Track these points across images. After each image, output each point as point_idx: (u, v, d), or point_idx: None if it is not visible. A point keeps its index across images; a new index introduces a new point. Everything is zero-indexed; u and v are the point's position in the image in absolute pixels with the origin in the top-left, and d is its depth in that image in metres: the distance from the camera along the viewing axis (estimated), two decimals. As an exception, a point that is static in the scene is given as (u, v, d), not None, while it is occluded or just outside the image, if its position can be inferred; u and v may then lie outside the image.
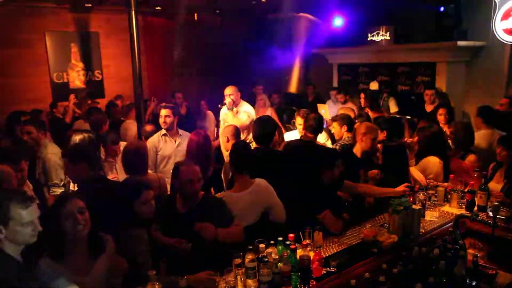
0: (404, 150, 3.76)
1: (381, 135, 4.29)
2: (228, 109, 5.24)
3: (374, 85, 7.68)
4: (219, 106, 5.48)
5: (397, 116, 6.21)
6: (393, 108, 7.14)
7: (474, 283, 2.50)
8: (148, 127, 5.77)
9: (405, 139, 4.53)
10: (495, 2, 6.46)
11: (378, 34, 8.08)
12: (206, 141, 3.86)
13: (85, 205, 2.31)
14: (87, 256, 2.32)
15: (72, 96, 7.16)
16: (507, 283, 2.64)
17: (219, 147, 4.61)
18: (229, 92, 5.25)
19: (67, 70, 8.73)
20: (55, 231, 2.21)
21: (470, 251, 2.91)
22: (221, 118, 5.51)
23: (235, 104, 5.22)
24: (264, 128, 3.97)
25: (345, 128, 4.70)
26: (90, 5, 8.56)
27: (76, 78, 8.87)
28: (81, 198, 2.34)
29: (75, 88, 8.62)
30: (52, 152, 4.22)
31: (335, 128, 4.83)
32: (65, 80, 8.70)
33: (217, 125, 7.17)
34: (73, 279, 2.15)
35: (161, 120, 4.66)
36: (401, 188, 3.47)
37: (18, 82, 8.00)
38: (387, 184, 3.66)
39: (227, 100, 5.22)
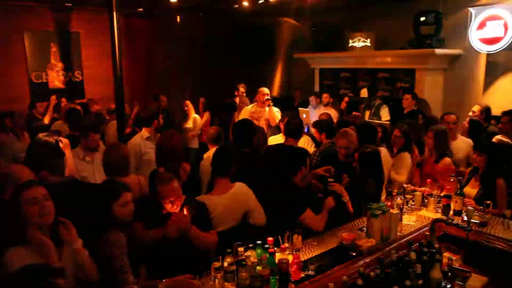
0: (378, 155, 3.83)
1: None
2: (268, 105, 6.03)
3: (364, 93, 7.77)
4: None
5: (369, 121, 6.29)
6: (385, 116, 7.11)
7: (448, 286, 2.56)
8: (128, 129, 5.76)
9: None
10: (471, 12, 6.63)
11: (359, 40, 8.20)
12: (175, 141, 3.80)
13: (48, 194, 2.26)
14: (53, 245, 2.25)
15: (53, 97, 7.06)
16: (480, 286, 2.72)
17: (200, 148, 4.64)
18: (267, 91, 6.15)
19: (46, 70, 8.59)
20: (16, 218, 2.17)
21: (446, 254, 2.98)
22: (246, 116, 5.92)
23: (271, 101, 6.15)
24: (244, 132, 3.98)
25: (324, 135, 4.70)
26: (70, 4, 8.45)
27: (56, 78, 8.74)
28: (44, 186, 2.29)
29: (54, 89, 8.49)
30: (21, 149, 4.17)
31: (315, 134, 4.86)
32: (44, 80, 8.56)
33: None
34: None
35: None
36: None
37: (-5, 81, 7.85)
38: (364, 189, 3.70)
39: (265, 98, 6.04)
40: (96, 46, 8.86)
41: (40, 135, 3.75)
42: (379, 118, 6.98)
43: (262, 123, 6.01)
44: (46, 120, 6.59)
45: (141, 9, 9.17)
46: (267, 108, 6.09)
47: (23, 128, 5.79)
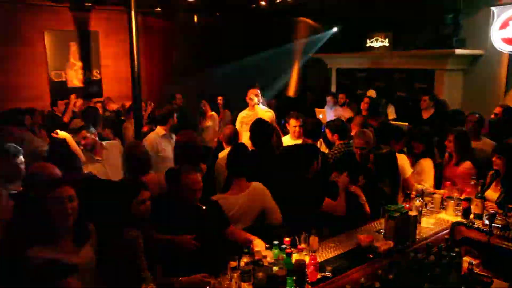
0: (393, 156, 3.77)
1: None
2: (258, 103, 5.67)
3: (371, 93, 7.70)
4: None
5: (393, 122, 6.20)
6: (391, 115, 7.14)
7: (468, 291, 2.51)
8: (145, 128, 5.80)
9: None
10: (493, 11, 6.49)
11: (377, 40, 8.11)
12: (194, 140, 3.81)
13: (75, 194, 2.31)
14: (73, 243, 2.33)
15: (73, 96, 7.17)
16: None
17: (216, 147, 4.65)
18: (255, 92, 5.71)
19: (65, 69, 8.71)
20: (42, 216, 2.23)
21: (466, 258, 2.92)
22: (239, 121, 5.66)
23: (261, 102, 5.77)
24: (261, 131, 3.97)
25: (336, 136, 4.59)
26: (90, 4, 8.56)
27: (75, 77, 8.85)
28: (72, 186, 2.33)
29: (73, 87, 8.61)
30: (43, 145, 4.23)
31: (328, 134, 4.80)
32: (64, 79, 8.69)
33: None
34: (64, 261, 2.18)
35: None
36: None
37: (17, 80, 7.99)
38: (379, 191, 3.67)
39: (254, 98, 5.63)
40: (114, 45, 8.95)
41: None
42: (386, 117, 6.94)
43: None
44: (66, 118, 6.69)
45: (158, 9, 9.24)
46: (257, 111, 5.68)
47: (41, 125, 5.89)
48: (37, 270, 1.95)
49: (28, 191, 2.70)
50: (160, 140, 4.75)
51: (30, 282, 2.05)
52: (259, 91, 5.80)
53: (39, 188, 2.33)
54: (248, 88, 5.79)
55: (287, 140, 4.88)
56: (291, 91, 11.00)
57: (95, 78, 9.12)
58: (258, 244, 2.75)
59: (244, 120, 5.64)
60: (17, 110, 5.61)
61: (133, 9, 5.72)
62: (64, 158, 3.25)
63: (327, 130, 4.77)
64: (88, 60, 8.98)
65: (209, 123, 7.01)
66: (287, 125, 5.17)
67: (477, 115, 4.97)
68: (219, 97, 7.76)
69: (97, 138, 4.34)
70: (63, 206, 2.23)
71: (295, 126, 4.70)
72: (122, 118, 6.47)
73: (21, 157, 3.10)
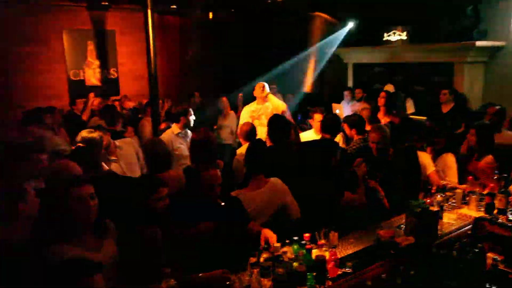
0: (413, 151, 3.70)
1: None
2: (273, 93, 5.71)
3: (389, 87, 7.58)
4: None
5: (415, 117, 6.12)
6: (410, 109, 7.04)
7: (493, 287, 2.45)
8: (162, 125, 5.84)
9: None
10: (515, 1, 6.34)
11: (394, 33, 7.98)
12: (209, 138, 3.80)
13: (94, 193, 2.32)
14: (95, 237, 2.35)
15: (91, 95, 7.26)
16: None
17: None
18: (263, 84, 5.70)
19: (83, 67, 8.83)
20: (65, 214, 2.24)
21: (490, 254, 2.86)
22: (247, 115, 5.60)
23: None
24: (279, 126, 3.95)
25: (354, 131, 4.54)
26: (107, 3, 8.66)
27: (92, 75, 8.97)
28: (91, 184, 2.34)
29: (91, 86, 8.72)
30: (63, 143, 4.28)
31: (346, 129, 4.75)
32: (82, 78, 8.81)
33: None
34: (87, 257, 2.19)
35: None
36: None
37: (36, 79, 8.14)
38: (398, 186, 3.62)
39: (262, 90, 5.59)
40: (131, 44, 9.04)
41: (84, 132, 3.84)
42: (405, 111, 6.82)
43: (264, 122, 5.26)
44: (84, 117, 6.78)
45: (174, 6, 9.28)
46: (266, 104, 5.65)
47: (61, 124, 5.97)
48: (63, 267, 1.98)
49: (51, 189, 2.74)
50: (174, 138, 4.76)
51: (56, 279, 2.07)
52: (266, 84, 5.76)
53: (61, 186, 2.35)
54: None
55: (310, 135, 4.85)
56: (308, 87, 10.92)
57: (112, 77, 9.22)
58: (268, 234, 2.73)
59: (253, 116, 5.59)
60: (38, 109, 5.72)
61: (149, 8, 5.76)
62: (86, 157, 3.28)
63: (345, 125, 4.73)
64: (105, 58, 9.09)
65: (227, 121, 7.01)
66: (310, 121, 5.14)
67: (496, 107, 4.85)
68: (240, 94, 7.75)
69: (110, 138, 4.39)
70: (85, 203, 2.25)
71: (320, 121, 4.66)
72: (139, 116, 6.52)
73: (44, 155, 3.14)
